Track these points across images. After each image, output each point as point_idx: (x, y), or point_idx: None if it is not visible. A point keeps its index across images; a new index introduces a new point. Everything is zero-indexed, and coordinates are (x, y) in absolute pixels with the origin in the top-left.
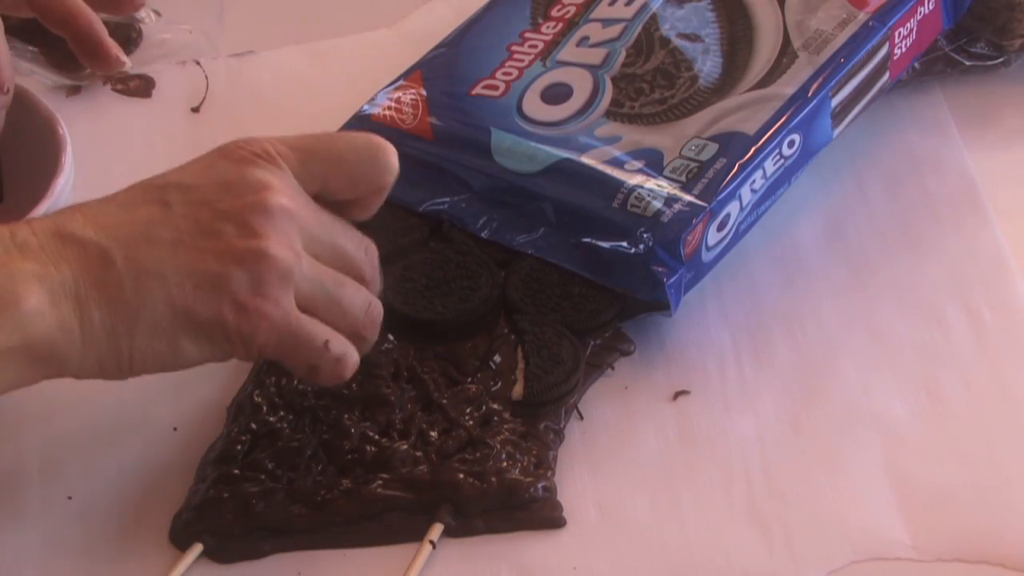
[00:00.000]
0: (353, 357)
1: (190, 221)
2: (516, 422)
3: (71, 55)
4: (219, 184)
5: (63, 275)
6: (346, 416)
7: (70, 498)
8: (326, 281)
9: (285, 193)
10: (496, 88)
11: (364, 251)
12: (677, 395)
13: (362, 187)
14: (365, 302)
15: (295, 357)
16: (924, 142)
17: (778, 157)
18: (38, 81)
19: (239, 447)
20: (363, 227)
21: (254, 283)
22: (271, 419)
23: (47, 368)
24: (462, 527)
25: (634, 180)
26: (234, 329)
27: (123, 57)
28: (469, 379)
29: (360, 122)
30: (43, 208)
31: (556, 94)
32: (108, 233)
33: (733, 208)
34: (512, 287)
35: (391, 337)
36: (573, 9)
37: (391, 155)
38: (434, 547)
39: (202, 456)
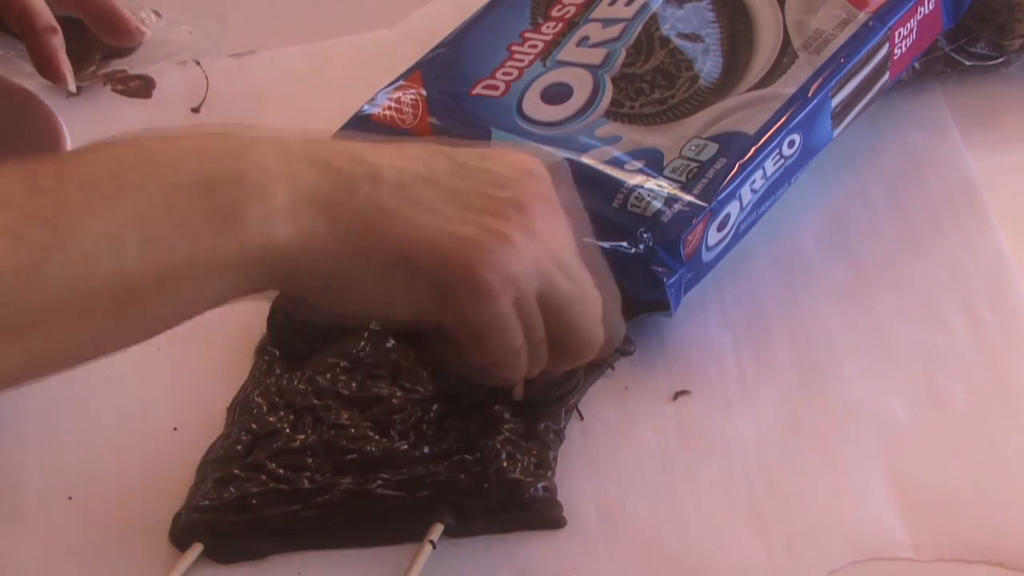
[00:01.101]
0: (524, 366)
1: (466, 187)
2: (516, 422)
3: (71, 54)
4: (494, 170)
5: (321, 180)
6: (346, 416)
7: (70, 498)
8: (563, 291)
9: (546, 220)
10: (496, 88)
11: (600, 305)
12: (677, 395)
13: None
14: (595, 323)
15: (488, 346)
16: (924, 142)
17: (778, 157)
18: (38, 81)
19: (239, 447)
20: None
21: (492, 258)
22: (271, 419)
23: (262, 281)
24: (462, 527)
25: (634, 180)
26: (461, 291)
27: (143, 27)
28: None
29: (360, 122)
30: None
31: (556, 94)
32: (385, 159)
33: (733, 208)
34: None
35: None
36: (573, 9)
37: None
38: (434, 547)
39: (202, 456)
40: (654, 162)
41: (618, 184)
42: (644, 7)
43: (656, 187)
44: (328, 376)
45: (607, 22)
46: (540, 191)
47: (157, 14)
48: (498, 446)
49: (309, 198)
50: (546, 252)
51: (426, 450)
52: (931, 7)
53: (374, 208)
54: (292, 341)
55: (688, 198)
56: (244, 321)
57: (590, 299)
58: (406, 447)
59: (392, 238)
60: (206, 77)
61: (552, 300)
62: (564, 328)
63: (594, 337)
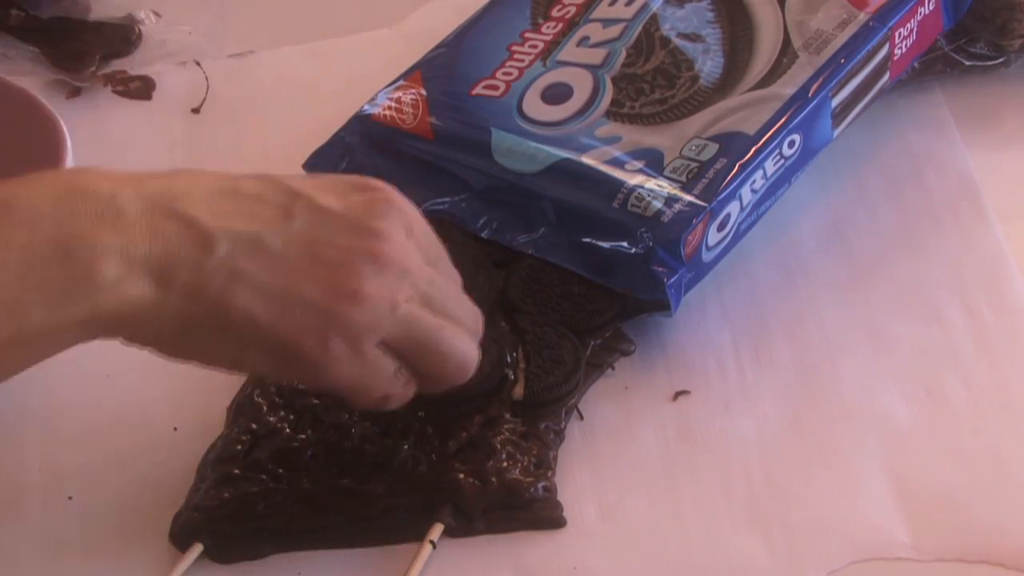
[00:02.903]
0: (413, 388)
1: (304, 243)
2: (516, 422)
3: (71, 54)
4: (345, 217)
5: (153, 250)
6: (346, 416)
7: (70, 498)
8: (424, 326)
9: (401, 248)
10: (496, 88)
11: (474, 318)
12: (677, 395)
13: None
14: (463, 352)
15: (356, 399)
16: (924, 142)
17: (778, 157)
18: (38, 81)
19: (239, 447)
20: None
21: (341, 321)
22: (271, 419)
23: (107, 335)
24: (462, 527)
25: (634, 180)
26: (307, 356)
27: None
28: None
29: (360, 122)
30: None
31: (556, 94)
32: (219, 221)
33: (733, 208)
34: (512, 287)
35: None
36: (573, 9)
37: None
38: (434, 547)
39: (202, 456)
40: (654, 162)
41: (618, 184)
42: (644, 7)
43: (656, 187)
44: None
45: (607, 22)
46: (394, 216)
47: (157, 14)
48: (498, 446)
49: (143, 270)
50: (404, 291)
51: (426, 450)
52: (931, 7)
53: (204, 282)
54: None
55: (688, 198)
56: None
57: (461, 321)
58: (406, 447)
59: (228, 308)
60: (206, 77)
61: (416, 339)
62: (432, 362)
63: (465, 362)
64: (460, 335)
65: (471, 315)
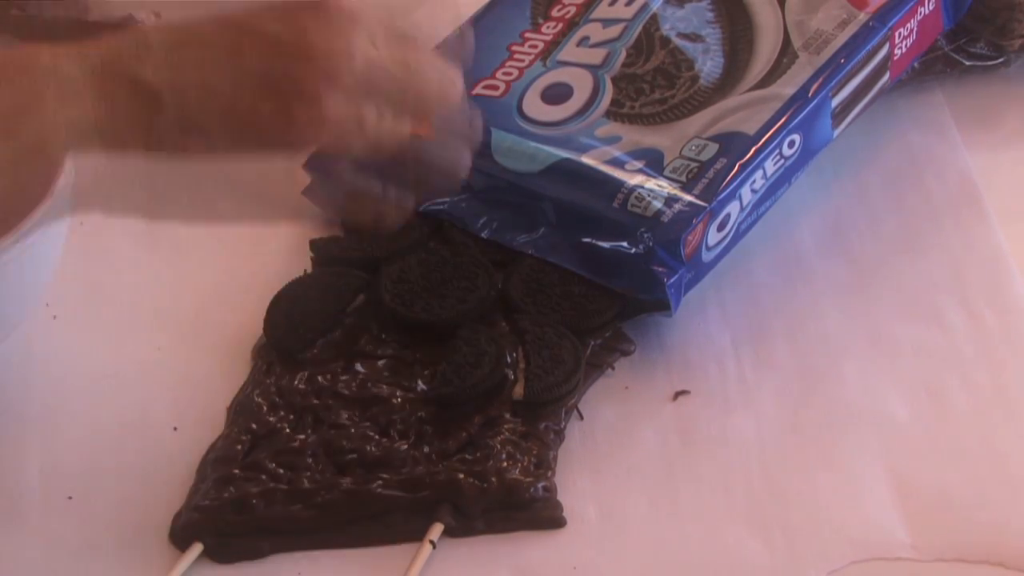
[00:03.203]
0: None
1: (255, 76)
2: (516, 422)
3: None
4: (298, 44)
5: (98, 116)
6: (346, 416)
7: (70, 498)
8: (397, 56)
9: (363, 58)
10: (496, 88)
11: (452, 83)
12: (677, 395)
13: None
14: (440, 71)
15: (356, 140)
16: (924, 142)
17: (778, 157)
18: None
19: (239, 447)
20: (363, 228)
21: (302, 89)
22: (271, 419)
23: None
24: (462, 527)
25: (634, 180)
26: (285, 139)
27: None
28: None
29: None
30: (42, 210)
31: (556, 94)
32: (167, 75)
33: (733, 208)
34: (512, 287)
35: (385, 337)
36: (573, 9)
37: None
38: (434, 547)
39: (202, 456)
40: (654, 162)
41: (618, 184)
42: (644, 7)
43: (656, 187)
44: (328, 376)
45: (607, 22)
46: (330, 51)
47: (157, 15)
48: (498, 446)
49: (93, 136)
50: (361, 37)
51: (426, 450)
52: (931, 7)
53: (158, 141)
54: (289, 339)
55: (688, 198)
56: (243, 321)
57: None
58: (406, 447)
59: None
60: None
61: (388, 72)
62: (413, 92)
63: (451, 83)
64: (432, 60)
65: (441, 73)
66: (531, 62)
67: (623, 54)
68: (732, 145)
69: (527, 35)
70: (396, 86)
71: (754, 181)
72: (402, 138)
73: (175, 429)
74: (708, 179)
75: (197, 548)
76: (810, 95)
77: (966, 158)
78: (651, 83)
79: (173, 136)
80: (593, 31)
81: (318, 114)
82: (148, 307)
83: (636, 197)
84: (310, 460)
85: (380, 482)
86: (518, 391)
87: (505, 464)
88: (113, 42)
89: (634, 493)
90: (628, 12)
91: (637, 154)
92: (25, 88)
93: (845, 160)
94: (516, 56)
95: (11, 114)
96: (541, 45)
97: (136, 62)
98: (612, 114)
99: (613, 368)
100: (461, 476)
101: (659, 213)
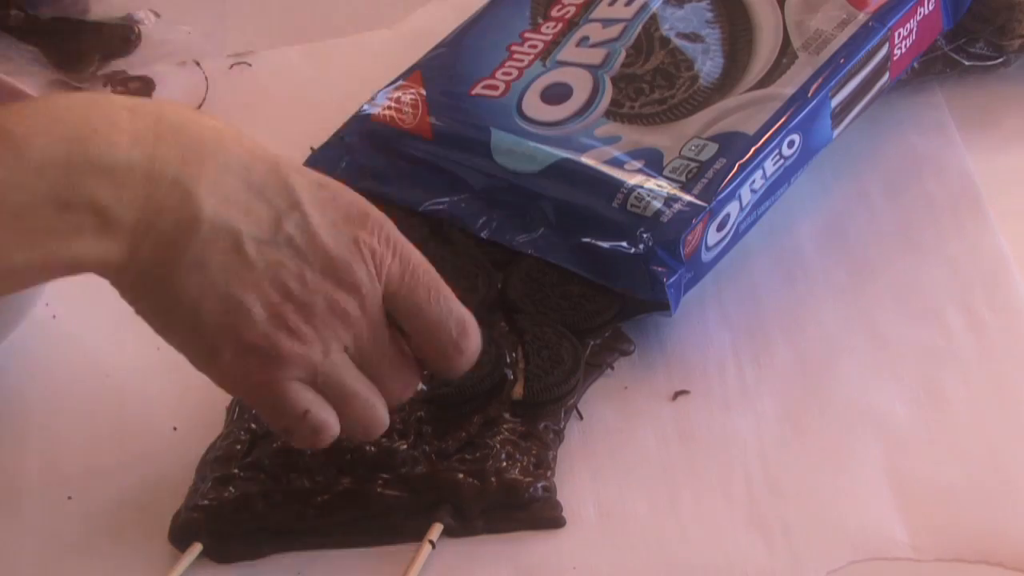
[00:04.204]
0: (331, 428)
1: (276, 261)
2: (516, 422)
3: (71, 54)
4: (326, 252)
5: (143, 216)
6: None
7: (70, 498)
8: (345, 384)
9: (363, 303)
10: (496, 88)
11: (402, 391)
12: (677, 395)
13: (430, 348)
14: (377, 416)
15: (269, 414)
16: (924, 143)
17: (778, 157)
18: (38, 81)
19: (239, 447)
20: None
21: (271, 358)
22: None
23: (67, 274)
24: (462, 527)
25: (634, 180)
26: (226, 362)
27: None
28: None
29: (360, 122)
30: None
31: (556, 94)
32: (214, 204)
33: (733, 208)
34: (512, 287)
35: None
36: (573, 9)
37: (472, 338)
38: (434, 547)
39: (202, 456)
40: (654, 162)
41: (618, 184)
42: (644, 7)
43: (656, 187)
44: None
45: (607, 22)
46: (349, 282)
47: (156, 14)
48: (498, 446)
49: (130, 229)
50: (342, 340)
51: (426, 450)
52: (931, 7)
53: (171, 257)
54: None
55: (688, 198)
56: None
57: (386, 386)
58: (406, 447)
59: (173, 288)
60: (206, 77)
61: (332, 390)
62: (341, 415)
63: (368, 431)
64: (373, 405)
65: (400, 382)
66: (531, 62)
67: (623, 54)
68: (732, 145)
69: (527, 35)
70: (332, 401)
71: (754, 181)
72: (311, 442)
73: (175, 429)
74: (708, 179)
75: (197, 548)
76: (810, 95)
77: (966, 158)
78: (651, 83)
79: (185, 265)
80: (593, 31)
81: (301, 328)
82: None
83: (636, 197)
84: (310, 460)
85: (380, 482)
86: (518, 391)
87: (504, 464)
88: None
89: (634, 493)
90: (628, 12)
91: (637, 154)
92: (84, 166)
93: (845, 160)
94: (516, 56)
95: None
96: (541, 45)
97: (193, 174)
98: (612, 114)
99: (612, 368)
100: (461, 476)
101: (659, 213)
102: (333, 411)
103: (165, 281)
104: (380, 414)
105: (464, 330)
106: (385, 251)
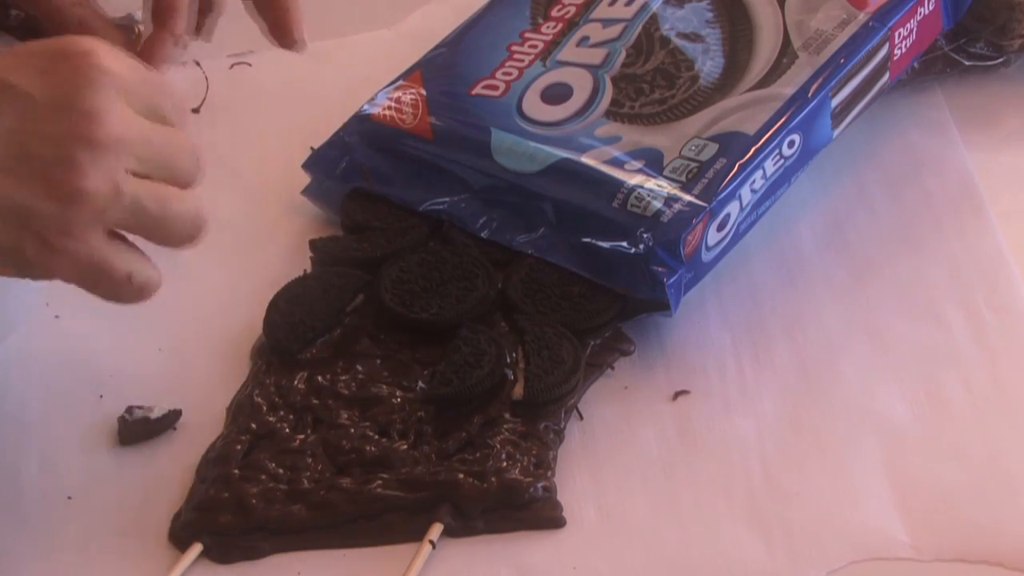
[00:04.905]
0: (154, 282)
1: (12, 142)
2: (516, 422)
3: None
4: (52, 101)
5: None
6: (346, 416)
7: (70, 498)
8: (150, 205)
9: (118, 123)
10: (496, 88)
11: (196, 160)
12: (677, 395)
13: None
14: (192, 214)
15: (95, 288)
16: (924, 142)
17: (778, 157)
18: None
19: (239, 447)
20: (363, 228)
21: (62, 222)
22: (271, 419)
23: None
24: (462, 527)
25: (634, 180)
26: (34, 261)
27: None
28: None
29: (360, 122)
30: None
31: (556, 94)
32: None
33: (733, 208)
34: (512, 287)
35: (382, 337)
36: (573, 9)
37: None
38: (434, 547)
39: (202, 456)
40: (654, 162)
41: (618, 184)
42: (644, 7)
43: (656, 187)
44: (328, 376)
45: (607, 22)
46: (104, 82)
47: None
48: (498, 446)
49: None
50: (125, 166)
51: (425, 450)
52: (931, 7)
53: None
54: (287, 340)
55: (688, 198)
56: (243, 322)
57: (185, 172)
58: (406, 447)
59: None
60: (206, 77)
61: (141, 218)
62: (160, 235)
63: (194, 226)
64: (184, 199)
65: (191, 159)
66: (531, 62)
67: (623, 54)
68: (732, 145)
69: (527, 35)
70: (147, 227)
71: (754, 181)
72: (149, 280)
73: (175, 429)
74: (708, 179)
75: (197, 548)
76: (810, 95)
77: (966, 158)
78: (651, 83)
79: None
80: (593, 31)
81: (77, 184)
82: (148, 307)
83: (636, 197)
84: (310, 460)
85: (380, 482)
86: (518, 391)
87: (505, 464)
88: None
89: (634, 493)
90: (628, 12)
91: (637, 154)
92: None
93: (845, 160)
94: (516, 56)
95: None
96: (541, 45)
97: None
98: (612, 114)
99: (613, 368)
100: (461, 476)
101: (659, 213)
102: (149, 261)
103: None
104: (195, 214)
105: None
106: (106, 74)
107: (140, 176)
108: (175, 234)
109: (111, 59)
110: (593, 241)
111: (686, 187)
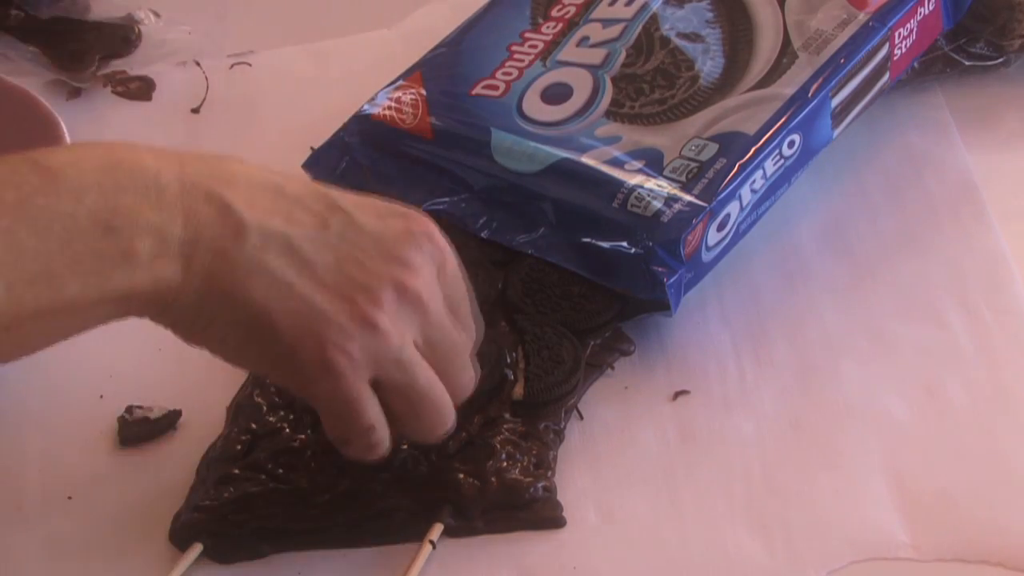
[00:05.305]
0: (384, 447)
1: (333, 255)
2: (516, 422)
3: (71, 54)
4: (380, 240)
5: (186, 232)
6: None
7: (70, 498)
8: (420, 377)
9: (427, 286)
10: (496, 88)
11: (467, 383)
12: (677, 395)
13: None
14: (448, 412)
15: (335, 423)
16: (924, 142)
17: (778, 157)
18: (38, 80)
19: (239, 447)
20: None
21: (348, 338)
22: (271, 419)
23: (138, 313)
24: (462, 527)
25: (634, 180)
26: (307, 365)
27: None
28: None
29: (360, 122)
30: None
31: (556, 94)
32: (257, 214)
33: (733, 208)
34: (512, 287)
35: None
36: (573, 9)
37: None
38: (434, 547)
39: (202, 456)
40: (654, 162)
41: (618, 184)
42: (644, 7)
43: (656, 187)
44: None
45: (607, 22)
46: (427, 250)
47: (156, 14)
48: (498, 446)
49: (176, 251)
50: (415, 330)
51: (426, 450)
52: (931, 7)
53: (228, 268)
54: None
55: (688, 198)
56: None
57: (455, 379)
58: (406, 447)
59: (245, 299)
60: (206, 77)
61: (406, 385)
62: (410, 412)
63: (435, 427)
64: (444, 401)
65: (466, 376)
66: (531, 62)
67: (623, 54)
68: (732, 145)
69: (527, 35)
70: (404, 396)
71: (754, 181)
72: (372, 451)
73: (175, 429)
74: (708, 179)
75: (197, 548)
76: (810, 95)
77: (966, 158)
78: (651, 83)
79: (243, 271)
80: (593, 31)
81: (374, 315)
82: None
83: (636, 197)
84: (310, 460)
85: (380, 482)
86: (518, 391)
87: (505, 464)
88: (210, 162)
89: (634, 493)
90: (628, 12)
91: (637, 154)
92: (125, 187)
93: (845, 160)
94: (516, 56)
95: (106, 214)
96: (541, 45)
97: (230, 190)
98: (612, 114)
99: (613, 368)
100: (461, 476)
101: (659, 213)
102: (388, 429)
103: (229, 295)
104: (449, 412)
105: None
106: (433, 247)
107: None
108: (424, 418)
109: (442, 239)
110: (593, 241)
111: (686, 187)
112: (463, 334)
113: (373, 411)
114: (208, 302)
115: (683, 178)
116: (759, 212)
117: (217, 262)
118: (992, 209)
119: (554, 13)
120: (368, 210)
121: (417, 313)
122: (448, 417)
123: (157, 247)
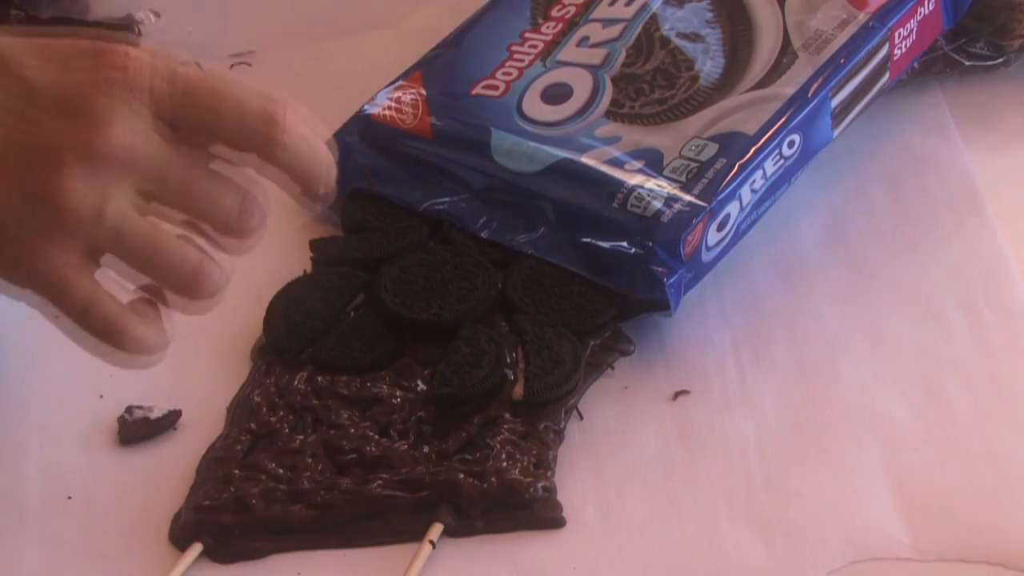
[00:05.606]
0: (126, 328)
1: (9, 128)
2: (516, 422)
3: None
4: (60, 98)
5: None
6: (346, 416)
7: (70, 498)
8: (135, 239)
9: (123, 135)
10: (496, 88)
11: (240, 201)
12: (677, 395)
13: (246, 145)
14: (190, 266)
15: (62, 301)
16: (924, 142)
17: (778, 157)
18: None
19: (239, 447)
20: (363, 228)
21: (24, 227)
22: (271, 419)
23: None
24: (462, 527)
25: (634, 180)
26: None
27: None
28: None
29: (360, 122)
30: None
31: (556, 94)
32: None
33: (733, 208)
34: (512, 287)
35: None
36: (573, 9)
37: (281, 114)
38: (434, 547)
39: (202, 456)
40: (654, 162)
41: (618, 184)
42: (644, 7)
43: (656, 187)
44: (328, 376)
45: (607, 22)
46: (93, 118)
47: (157, 14)
48: (498, 446)
49: None
50: (120, 190)
51: (425, 450)
52: (931, 7)
53: None
54: (288, 339)
55: (688, 198)
56: (243, 321)
57: (207, 214)
58: (406, 447)
59: None
60: None
61: (129, 249)
62: (151, 274)
63: (194, 275)
64: (181, 248)
65: (233, 197)
66: (531, 62)
67: (623, 54)
68: (732, 145)
69: (527, 35)
70: (134, 260)
71: (754, 181)
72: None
73: (175, 429)
74: (708, 179)
75: (197, 548)
76: (810, 95)
77: (966, 158)
78: (651, 83)
79: None
80: (593, 31)
81: (52, 190)
82: None
83: (636, 197)
84: (310, 460)
85: (380, 482)
86: (518, 391)
87: (505, 464)
88: None
89: (634, 493)
90: (628, 12)
91: (637, 154)
92: None
93: (845, 160)
94: (516, 56)
95: None
96: (541, 45)
97: None
98: (612, 114)
99: (613, 368)
100: (461, 476)
101: (659, 213)
102: (118, 303)
103: None
104: (198, 259)
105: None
106: (137, 76)
107: (161, 202)
108: (170, 280)
109: (141, 58)
110: (593, 241)
111: (686, 187)
112: (201, 152)
113: (81, 291)
114: None
115: (683, 178)
116: (759, 212)
117: None
118: (992, 209)
119: (554, 13)
120: (46, 64)
121: (119, 169)
122: (202, 267)
123: None
